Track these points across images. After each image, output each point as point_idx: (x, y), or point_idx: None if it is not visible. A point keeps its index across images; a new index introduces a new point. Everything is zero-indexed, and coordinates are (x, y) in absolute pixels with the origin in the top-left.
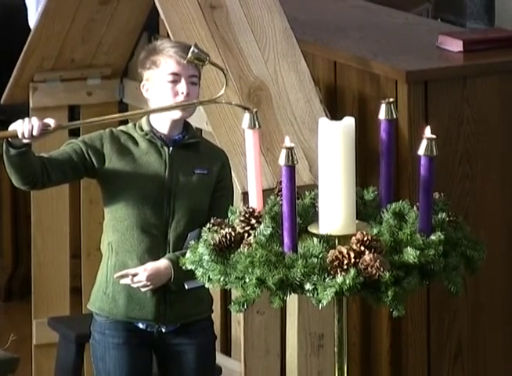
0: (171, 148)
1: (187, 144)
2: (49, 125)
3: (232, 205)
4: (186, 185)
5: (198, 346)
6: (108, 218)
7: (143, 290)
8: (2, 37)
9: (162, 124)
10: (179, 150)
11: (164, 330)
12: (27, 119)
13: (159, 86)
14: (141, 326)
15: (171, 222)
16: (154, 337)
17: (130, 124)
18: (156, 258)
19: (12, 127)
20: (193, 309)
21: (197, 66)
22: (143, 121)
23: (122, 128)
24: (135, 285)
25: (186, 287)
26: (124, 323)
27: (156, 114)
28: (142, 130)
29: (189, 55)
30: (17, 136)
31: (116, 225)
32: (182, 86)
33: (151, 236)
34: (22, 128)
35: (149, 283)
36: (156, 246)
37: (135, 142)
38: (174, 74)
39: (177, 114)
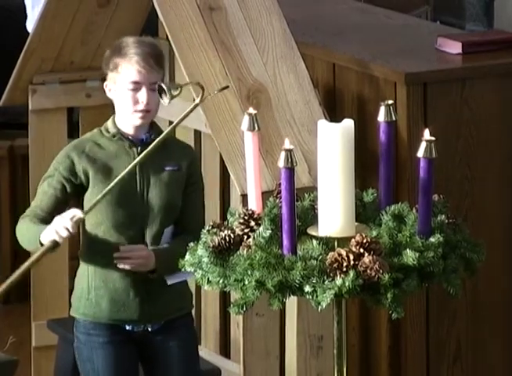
0: (139, 148)
1: (154, 141)
2: (80, 218)
3: (203, 202)
4: (158, 182)
5: (183, 342)
6: (87, 225)
7: (126, 267)
8: (1, 39)
9: (127, 126)
10: (145, 147)
11: (150, 329)
12: (58, 226)
13: (120, 92)
14: (127, 327)
15: (147, 221)
16: (140, 336)
17: (95, 130)
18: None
19: (46, 237)
20: (176, 304)
21: (160, 72)
22: (109, 123)
23: (86, 135)
24: (123, 264)
25: (168, 282)
26: (110, 324)
27: (121, 117)
28: (108, 132)
29: (168, 99)
30: (57, 244)
31: (93, 230)
32: (142, 95)
33: (129, 236)
34: (59, 236)
35: (138, 261)
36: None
37: (102, 148)
38: (135, 82)
39: (137, 121)
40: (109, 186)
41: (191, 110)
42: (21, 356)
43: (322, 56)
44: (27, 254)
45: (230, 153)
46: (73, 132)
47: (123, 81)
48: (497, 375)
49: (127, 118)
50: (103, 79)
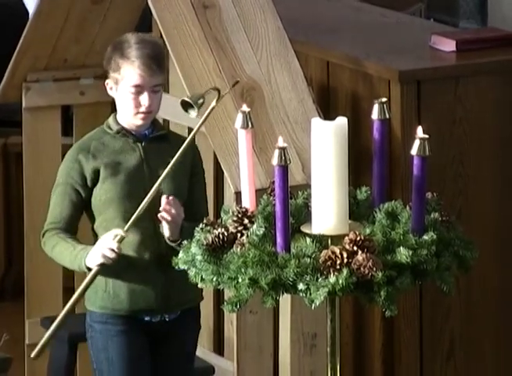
0: (143, 143)
1: (157, 137)
2: (123, 236)
3: (205, 191)
4: (165, 175)
5: (194, 334)
6: (99, 221)
7: (168, 218)
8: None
9: (129, 124)
10: (151, 143)
11: (167, 319)
12: (104, 249)
13: (122, 94)
14: (146, 318)
15: (155, 213)
16: (157, 326)
17: (96, 129)
18: (152, 248)
19: (93, 261)
20: (191, 294)
21: (162, 74)
22: (111, 121)
23: (89, 135)
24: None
25: None
26: (128, 315)
27: (123, 115)
28: (111, 129)
29: (196, 111)
30: (104, 266)
31: (107, 225)
32: (144, 98)
33: (143, 229)
34: (107, 259)
35: (177, 216)
36: (149, 237)
37: (107, 145)
38: (137, 86)
39: (139, 122)
40: (147, 197)
41: (208, 114)
42: (15, 354)
43: (316, 54)
44: (21, 249)
45: (224, 151)
46: (68, 129)
47: (125, 84)
48: (490, 373)
49: (129, 118)
50: (103, 76)
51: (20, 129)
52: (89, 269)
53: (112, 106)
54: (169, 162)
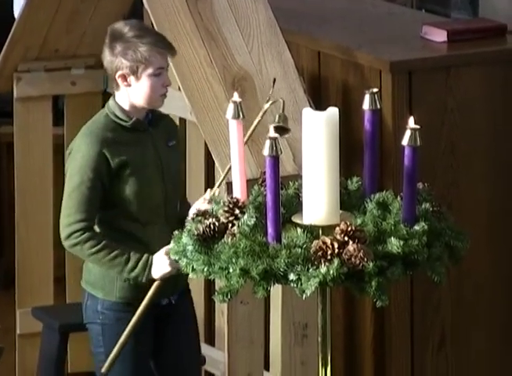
0: (150, 129)
1: (156, 122)
2: None
3: None
4: (168, 159)
5: (190, 307)
6: (119, 211)
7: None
8: None
9: (138, 111)
10: (153, 128)
11: (173, 302)
12: (171, 260)
13: (144, 80)
14: (156, 302)
15: (167, 198)
16: (163, 308)
17: (102, 119)
18: (166, 234)
19: (161, 272)
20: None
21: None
22: (116, 110)
23: (103, 125)
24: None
25: None
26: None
27: (139, 102)
28: (120, 119)
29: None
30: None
31: (129, 216)
32: (166, 78)
33: (159, 216)
34: (170, 271)
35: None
36: (164, 224)
37: (123, 137)
38: (161, 68)
39: (161, 104)
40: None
41: (260, 119)
42: (6, 344)
43: (308, 44)
44: (12, 239)
45: (215, 141)
46: (58, 120)
47: (149, 69)
48: (480, 363)
49: (149, 103)
50: (94, 67)
51: (11, 119)
52: (149, 280)
53: (103, 97)
54: (168, 146)
